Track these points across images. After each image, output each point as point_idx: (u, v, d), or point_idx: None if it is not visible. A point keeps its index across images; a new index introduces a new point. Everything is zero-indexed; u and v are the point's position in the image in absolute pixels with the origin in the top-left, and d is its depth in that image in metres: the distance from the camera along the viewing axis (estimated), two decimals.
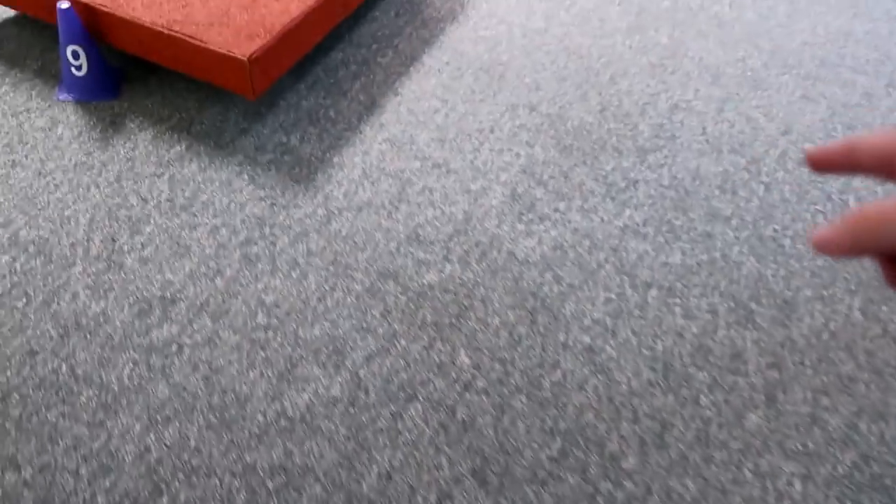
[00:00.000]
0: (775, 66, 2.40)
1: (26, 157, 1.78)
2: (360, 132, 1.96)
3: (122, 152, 1.81)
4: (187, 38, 1.79)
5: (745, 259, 1.74)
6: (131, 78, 2.02)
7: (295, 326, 1.49)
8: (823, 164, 0.43)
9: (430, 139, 1.96)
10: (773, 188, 1.94)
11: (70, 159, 1.78)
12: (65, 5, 1.81)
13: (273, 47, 1.83)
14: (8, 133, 1.82)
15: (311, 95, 2.06)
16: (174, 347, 1.43)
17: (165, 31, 1.81)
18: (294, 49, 1.95)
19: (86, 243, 1.60)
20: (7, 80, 1.98)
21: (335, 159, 1.88)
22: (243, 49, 1.77)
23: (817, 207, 1.91)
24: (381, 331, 1.50)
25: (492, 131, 2.01)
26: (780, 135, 2.09)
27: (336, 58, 2.20)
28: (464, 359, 1.48)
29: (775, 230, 1.83)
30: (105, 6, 1.85)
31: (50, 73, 2.01)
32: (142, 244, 1.61)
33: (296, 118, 1.98)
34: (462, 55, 2.28)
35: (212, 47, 1.77)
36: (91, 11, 1.87)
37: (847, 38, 2.57)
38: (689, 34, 2.49)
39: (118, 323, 1.46)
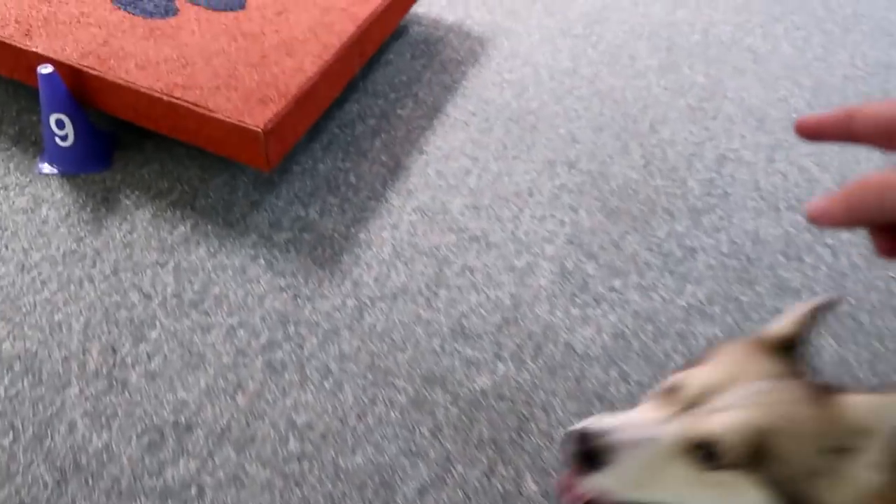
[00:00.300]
0: (819, 104, 2.24)
1: (6, 246, 1.54)
2: (387, 200, 1.75)
3: (118, 236, 1.58)
4: (191, 106, 1.57)
5: (823, 342, 1.57)
6: (124, 143, 1.79)
7: (333, 454, 1.28)
8: (815, 132, 0.42)
9: (463, 206, 1.76)
10: (839, 252, 1.77)
11: (58, 248, 1.55)
12: (47, 70, 1.58)
13: (289, 113, 1.61)
14: None
15: (328, 157, 1.84)
16: (194, 490, 1.21)
17: (165, 98, 1.58)
18: (310, 110, 1.73)
19: (81, 356, 1.38)
20: None
21: (361, 235, 1.67)
22: (256, 118, 1.55)
23: (891, 274, 1.75)
24: (432, 454, 1.30)
25: (531, 194, 1.82)
26: (836, 186, 1.92)
27: (351, 110, 1.99)
28: (530, 485, 1.28)
29: (850, 304, 1.66)
30: (94, 69, 1.62)
31: (30, 140, 1.77)
32: (148, 354, 1.39)
33: (313, 186, 1.76)
34: (488, 103, 2.08)
35: (220, 116, 1.55)
36: (77, 75, 1.63)
37: (888, 71, 2.42)
38: (724, 71, 2.32)
39: (125, 461, 1.24)
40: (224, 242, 1.61)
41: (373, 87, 2.07)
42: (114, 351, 1.39)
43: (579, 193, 1.85)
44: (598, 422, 0.69)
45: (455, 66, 2.19)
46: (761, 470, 0.62)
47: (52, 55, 1.63)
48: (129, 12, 1.78)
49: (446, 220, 1.73)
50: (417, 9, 2.42)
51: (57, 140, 1.65)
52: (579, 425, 0.69)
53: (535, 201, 1.80)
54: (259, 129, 1.53)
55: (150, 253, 1.56)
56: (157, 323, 1.45)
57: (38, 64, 1.65)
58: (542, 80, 2.18)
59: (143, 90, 1.59)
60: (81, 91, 1.66)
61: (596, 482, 0.68)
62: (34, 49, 1.64)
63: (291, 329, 1.46)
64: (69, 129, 1.64)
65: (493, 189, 1.82)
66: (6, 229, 1.57)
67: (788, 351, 0.73)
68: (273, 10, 1.86)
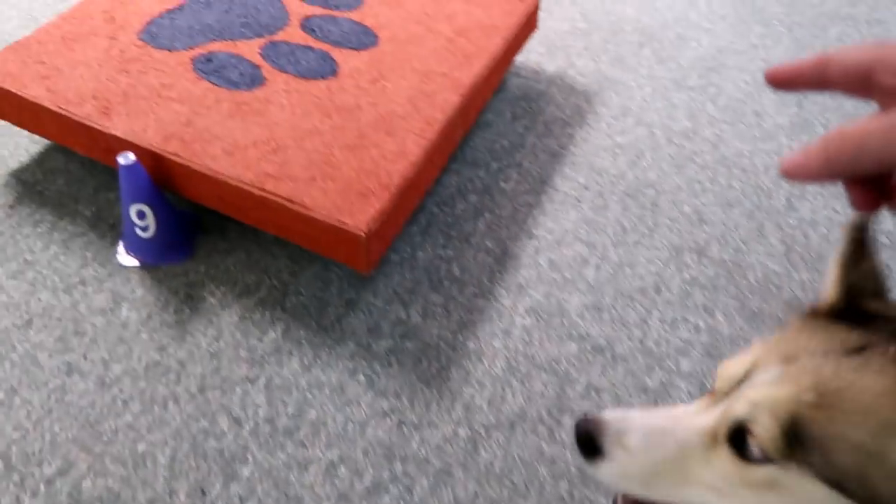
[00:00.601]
0: None
1: (85, 356, 1.40)
2: (496, 299, 1.55)
3: (203, 344, 1.43)
4: (284, 202, 1.39)
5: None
6: (207, 226, 1.62)
7: None
8: (788, 81, 0.41)
9: (583, 306, 1.55)
10: None
11: (139, 358, 1.40)
12: (128, 159, 1.42)
13: (392, 207, 1.43)
14: (60, 320, 1.45)
15: (428, 243, 1.65)
16: None
17: (256, 192, 1.41)
18: (413, 198, 1.54)
19: (168, 499, 1.22)
20: (56, 234, 1.60)
21: (470, 344, 1.48)
22: (357, 217, 1.37)
23: None
24: None
25: (658, 291, 1.60)
26: None
27: (450, 184, 1.79)
28: None
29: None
30: (178, 156, 1.46)
31: (107, 223, 1.63)
32: (240, 497, 1.23)
33: (413, 280, 1.57)
34: (601, 174, 1.86)
35: (316, 215, 1.37)
36: (160, 161, 1.48)
37: None
38: None
39: None
40: (319, 353, 1.43)
41: (472, 155, 1.87)
42: (203, 493, 1.23)
43: (713, 290, 1.61)
44: (616, 412, 0.62)
45: (560, 127, 1.97)
46: (810, 459, 0.48)
47: (132, 139, 1.48)
48: (212, 83, 1.61)
49: (564, 324, 1.52)
50: (515, 58, 2.21)
51: (137, 231, 1.50)
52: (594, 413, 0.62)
53: (664, 300, 1.58)
54: (362, 233, 1.35)
55: (239, 366, 1.40)
56: (249, 456, 1.28)
57: (118, 147, 1.50)
58: (658, 144, 1.95)
59: (231, 181, 1.42)
60: (164, 178, 1.51)
61: (603, 472, 0.60)
62: (114, 132, 1.48)
63: (398, 468, 1.28)
64: (150, 219, 1.49)
65: (615, 284, 1.60)
66: (84, 334, 1.42)
67: (849, 316, 0.56)
68: (367, 77, 1.67)
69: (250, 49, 1.71)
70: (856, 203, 0.41)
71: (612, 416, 0.61)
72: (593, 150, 1.92)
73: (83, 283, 1.51)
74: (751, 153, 1.95)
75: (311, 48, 1.72)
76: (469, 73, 1.71)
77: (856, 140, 0.36)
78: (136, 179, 1.44)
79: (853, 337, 0.53)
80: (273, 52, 1.70)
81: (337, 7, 1.85)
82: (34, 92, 1.55)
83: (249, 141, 1.49)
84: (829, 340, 0.54)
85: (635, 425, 0.60)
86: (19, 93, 1.54)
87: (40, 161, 1.73)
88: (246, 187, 1.41)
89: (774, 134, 2.01)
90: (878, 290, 0.57)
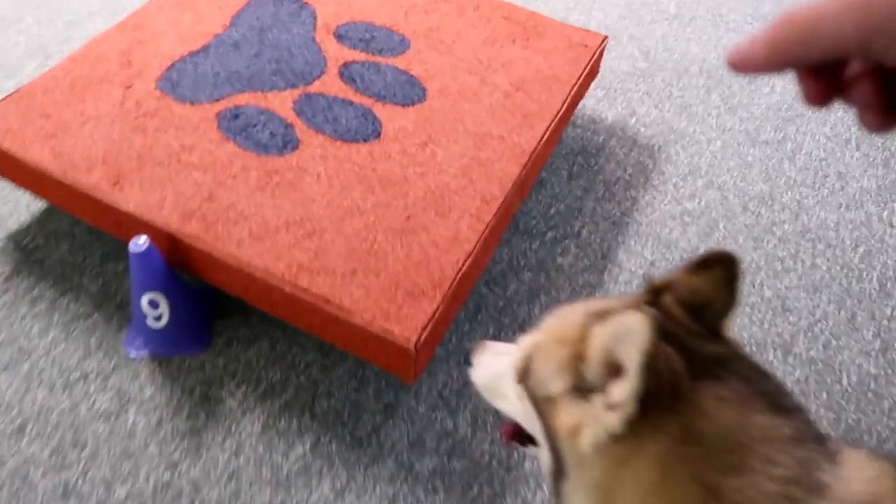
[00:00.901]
0: None
1: (85, 475, 1.21)
2: None
3: (220, 461, 1.24)
4: (319, 302, 1.20)
5: None
6: (226, 307, 1.43)
7: None
8: (760, 64, 0.37)
9: None
10: None
11: (147, 478, 1.21)
12: (140, 246, 1.23)
13: (447, 308, 1.23)
14: (58, 426, 1.26)
15: (477, 332, 1.46)
16: None
17: (287, 289, 1.22)
18: (465, 291, 1.34)
19: None
20: (57, 315, 1.41)
21: (527, 463, 1.28)
22: (405, 325, 1.17)
23: None
24: None
25: None
26: None
27: (501, 258, 1.59)
28: None
29: None
30: (199, 240, 1.26)
31: (114, 303, 1.44)
32: None
33: (460, 380, 1.38)
34: (669, 248, 1.65)
35: (357, 321, 1.17)
36: (177, 244, 1.28)
37: None
38: None
39: None
40: (353, 473, 1.24)
41: (525, 222, 1.67)
42: None
43: (802, 397, 1.41)
44: (491, 344, 0.86)
45: (622, 189, 1.76)
46: (526, 382, 0.68)
47: (146, 216, 1.28)
48: (239, 145, 1.41)
49: None
50: None
51: (149, 321, 1.31)
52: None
53: None
54: (410, 346, 1.15)
55: (262, 490, 1.21)
56: None
57: (129, 223, 1.31)
58: (733, 212, 1.73)
59: (258, 274, 1.22)
60: (181, 260, 1.31)
61: (472, 377, 0.85)
62: (125, 208, 1.28)
63: None
64: (164, 307, 1.30)
65: None
66: (84, 446, 1.23)
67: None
68: (415, 140, 1.46)
69: (282, 103, 1.50)
70: (808, 96, 0.39)
71: (489, 343, 0.87)
72: (660, 219, 1.71)
73: (85, 378, 1.32)
74: (836, 224, 1.73)
75: (350, 102, 1.52)
76: (530, 137, 1.50)
77: (806, 25, 0.34)
78: (148, 266, 1.24)
79: (624, 306, 0.64)
80: (308, 107, 1.50)
81: (380, 52, 1.64)
82: (37, 154, 1.35)
83: (281, 221, 1.30)
84: (604, 306, 0.65)
85: (492, 350, 0.85)
86: (20, 155, 1.35)
87: (42, 222, 1.55)
88: (276, 283, 1.21)
89: (861, 201, 1.79)
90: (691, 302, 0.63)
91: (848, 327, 1.53)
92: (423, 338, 1.17)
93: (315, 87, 1.54)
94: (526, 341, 0.70)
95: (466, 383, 1.38)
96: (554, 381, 0.62)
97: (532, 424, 0.69)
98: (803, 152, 1.90)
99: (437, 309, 1.20)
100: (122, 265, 1.49)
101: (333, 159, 1.41)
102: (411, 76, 1.60)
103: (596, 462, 0.58)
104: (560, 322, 0.66)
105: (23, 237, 1.52)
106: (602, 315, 0.61)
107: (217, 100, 1.49)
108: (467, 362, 0.86)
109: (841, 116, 2.01)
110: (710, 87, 2.05)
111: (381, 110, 1.51)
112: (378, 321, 1.17)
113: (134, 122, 1.43)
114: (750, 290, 1.57)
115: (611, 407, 0.55)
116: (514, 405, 0.73)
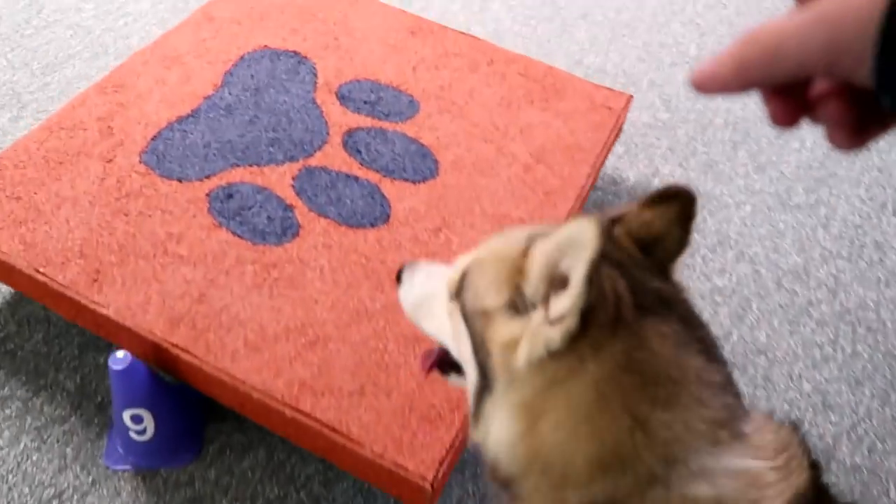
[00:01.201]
0: None
1: None
2: None
3: None
4: (323, 429, 1.07)
5: None
6: (218, 410, 1.28)
7: None
8: (717, 84, 0.37)
9: None
10: None
11: None
12: (121, 363, 1.09)
13: (465, 434, 1.10)
14: None
15: None
16: None
17: (288, 413, 1.09)
18: None
19: None
20: (29, 418, 1.26)
21: None
22: (420, 458, 1.04)
23: None
24: None
25: None
26: None
27: None
28: None
29: None
30: (188, 353, 1.12)
31: (94, 403, 1.29)
32: None
33: (477, 496, 1.25)
34: None
35: (366, 454, 1.04)
36: (164, 354, 1.14)
37: None
38: None
39: None
40: None
41: None
42: None
43: None
44: (423, 263, 0.82)
45: None
46: (460, 298, 0.66)
47: (129, 322, 1.14)
48: (233, 232, 1.27)
49: None
50: None
51: (132, 434, 1.18)
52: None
53: None
54: (427, 484, 1.03)
55: None
56: None
57: (108, 327, 1.17)
58: (766, 289, 1.61)
59: (255, 394, 1.09)
60: (168, 369, 1.18)
61: (399, 294, 0.81)
62: (104, 312, 1.14)
63: None
64: (148, 422, 1.16)
65: None
66: None
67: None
68: (427, 224, 1.33)
69: (281, 179, 1.36)
70: (775, 116, 0.39)
71: (422, 263, 0.82)
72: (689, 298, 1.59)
73: (59, 496, 1.18)
74: (875, 304, 1.61)
75: (356, 178, 1.38)
76: (552, 218, 1.37)
77: (771, 43, 0.34)
78: (130, 383, 1.11)
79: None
80: (309, 185, 1.36)
81: (387, 116, 1.50)
82: (5, 244, 1.20)
83: (280, 327, 1.16)
84: (548, 229, 0.61)
85: (425, 269, 0.80)
86: None
87: (14, 306, 1.40)
88: (275, 405, 1.08)
89: None
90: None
91: (893, 427, 1.42)
92: (440, 473, 1.04)
93: (317, 160, 1.40)
94: (463, 259, 0.69)
95: (484, 496, 1.26)
96: (491, 295, 0.61)
97: (460, 344, 0.67)
98: (838, 218, 1.78)
99: (455, 437, 1.07)
100: (102, 357, 1.35)
101: (338, 249, 1.27)
102: (422, 145, 1.46)
103: (528, 380, 0.57)
104: (502, 240, 0.66)
105: None
106: (545, 235, 0.60)
107: (208, 176, 1.34)
108: (397, 280, 0.82)
109: (875, 177, 1.89)
110: (737, 142, 1.93)
111: (389, 187, 1.37)
112: (390, 454, 1.04)
113: (115, 204, 1.28)
114: (788, 384, 1.45)
115: (551, 321, 0.55)
116: (443, 325, 0.71)
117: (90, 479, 1.21)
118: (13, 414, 1.27)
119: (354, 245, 1.28)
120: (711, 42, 2.21)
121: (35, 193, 1.28)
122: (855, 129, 0.38)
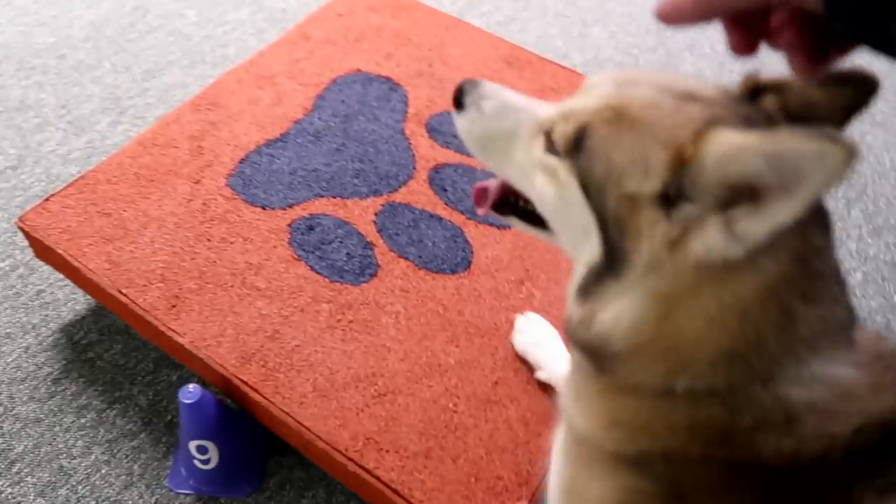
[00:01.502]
0: None
1: None
2: None
3: None
4: (387, 492, 1.03)
5: None
6: (282, 443, 1.26)
7: None
8: (681, 15, 0.40)
9: None
10: None
11: None
12: (192, 394, 1.09)
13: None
14: None
15: None
16: None
17: (351, 468, 1.06)
18: None
19: None
20: (102, 430, 1.28)
21: None
22: None
23: None
24: None
25: None
26: None
27: None
28: None
29: None
30: (257, 392, 1.10)
31: (164, 421, 1.30)
32: None
33: None
34: None
35: None
36: (233, 389, 1.14)
37: None
38: None
39: None
40: None
41: None
42: None
43: None
44: (490, 85, 0.70)
45: None
46: (577, 159, 0.58)
47: (203, 353, 1.14)
48: (311, 267, 1.25)
49: None
50: None
51: (196, 463, 1.18)
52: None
53: None
54: None
55: None
56: None
57: (182, 354, 1.18)
58: None
59: (319, 443, 1.07)
60: (237, 401, 1.17)
61: (459, 123, 0.70)
62: (180, 340, 1.15)
63: None
64: (213, 453, 1.16)
65: None
66: None
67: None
68: (509, 275, 1.27)
69: (363, 213, 1.33)
70: (734, 46, 0.42)
71: (488, 85, 0.70)
72: None
73: None
74: None
75: (440, 219, 1.33)
76: None
77: None
78: (199, 416, 1.10)
79: (712, 98, 0.55)
80: (391, 222, 1.32)
81: None
82: (93, 262, 1.22)
83: (350, 375, 1.13)
84: (684, 86, 0.56)
85: (498, 96, 0.69)
86: (75, 262, 1.23)
87: (98, 315, 1.43)
88: (339, 458, 1.05)
89: None
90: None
91: None
92: None
93: (401, 196, 1.36)
94: (576, 105, 0.59)
95: None
96: (636, 178, 0.53)
97: (563, 207, 0.60)
98: None
99: None
100: (176, 374, 1.36)
101: (416, 294, 1.23)
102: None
103: (680, 274, 0.53)
104: (649, 101, 0.55)
105: (76, 331, 1.41)
106: (701, 102, 0.54)
107: (292, 205, 1.33)
108: (457, 104, 0.70)
109: None
110: (851, 199, 1.77)
111: (473, 232, 1.32)
112: None
113: (199, 227, 1.29)
114: None
115: (735, 236, 0.49)
116: (523, 171, 0.65)
117: (154, 498, 1.22)
118: (87, 424, 1.30)
119: (432, 292, 1.24)
120: None
121: (124, 211, 1.30)
122: (812, 55, 0.41)
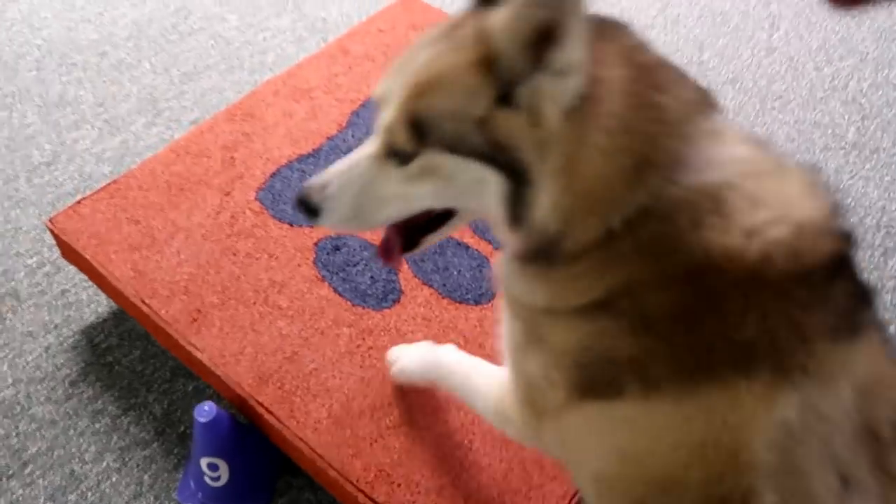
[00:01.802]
0: None
1: None
2: None
3: None
4: None
5: None
6: (292, 462, 1.27)
7: None
8: None
9: None
10: None
11: None
12: (207, 415, 1.08)
13: None
14: None
15: None
16: None
17: (361, 499, 1.04)
18: None
19: None
20: (115, 437, 1.28)
21: None
22: None
23: None
24: None
25: None
26: None
27: None
28: None
29: None
30: (272, 414, 1.09)
31: (177, 431, 1.30)
32: None
33: None
34: None
35: None
36: (248, 408, 1.13)
37: None
38: None
39: None
40: None
41: None
42: None
43: None
44: (317, 177, 0.72)
45: None
46: (427, 143, 0.63)
47: (220, 371, 1.13)
48: (335, 289, 1.24)
49: None
50: None
51: (206, 479, 1.17)
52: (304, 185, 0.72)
53: None
54: None
55: None
56: None
57: (200, 369, 1.17)
58: None
59: (330, 472, 1.05)
60: (251, 419, 1.17)
61: (325, 223, 0.72)
62: (199, 356, 1.14)
63: None
64: (223, 471, 1.15)
65: None
66: None
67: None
68: None
69: None
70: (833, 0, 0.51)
71: (314, 178, 0.72)
72: None
73: None
74: None
75: (466, 248, 1.32)
76: None
77: None
78: (213, 434, 1.10)
79: (455, 21, 0.65)
80: None
81: None
82: (118, 269, 1.23)
83: (366, 403, 1.12)
84: (435, 32, 0.66)
85: (330, 176, 0.71)
86: (101, 269, 1.23)
87: (118, 319, 1.43)
88: (349, 488, 1.04)
89: None
90: None
91: None
92: None
93: None
94: (385, 114, 0.65)
95: None
96: (475, 103, 0.61)
97: (455, 182, 0.65)
98: None
99: None
100: (191, 385, 1.36)
101: (437, 324, 1.21)
102: None
103: (563, 137, 0.59)
104: (423, 63, 0.63)
105: (97, 333, 1.42)
106: (456, 26, 0.64)
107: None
108: (305, 211, 0.72)
109: None
110: (889, 248, 1.72)
111: None
112: None
113: (226, 241, 1.28)
114: None
115: (561, 72, 0.57)
116: (405, 195, 0.68)
117: None
118: (101, 429, 1.30)
119: (454, 322, 1.22)
120: (874, 127, 1.99)
121: (153, 219, 1.30)
122: None
